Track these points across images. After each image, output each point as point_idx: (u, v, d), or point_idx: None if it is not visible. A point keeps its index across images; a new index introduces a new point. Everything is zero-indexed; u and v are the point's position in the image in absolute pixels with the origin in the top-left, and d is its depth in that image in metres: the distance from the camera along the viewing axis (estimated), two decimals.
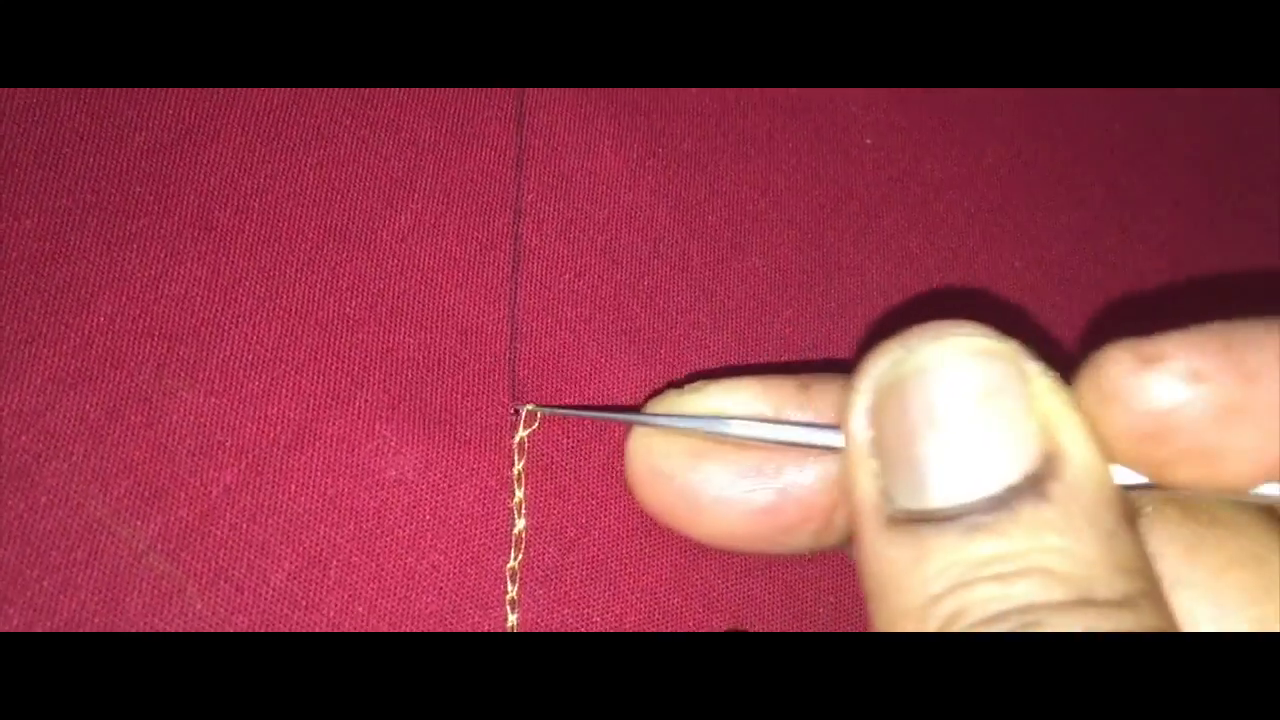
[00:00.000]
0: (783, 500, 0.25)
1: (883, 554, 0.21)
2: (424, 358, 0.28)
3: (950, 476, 0.21)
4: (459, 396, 0.28)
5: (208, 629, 0.24)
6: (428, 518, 0.27)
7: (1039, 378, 0.22)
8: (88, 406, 0.25)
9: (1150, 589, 0.20)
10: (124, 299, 0.27)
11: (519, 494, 0.28)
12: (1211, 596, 0.22)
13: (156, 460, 0.25)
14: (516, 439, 0.28)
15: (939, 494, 0.21)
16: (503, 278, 0.30)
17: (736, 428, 0.25)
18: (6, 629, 0.24)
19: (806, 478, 0.25)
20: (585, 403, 0.29)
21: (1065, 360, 0.23)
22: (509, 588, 0.27)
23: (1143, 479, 0.22)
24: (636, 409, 0.28)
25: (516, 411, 0.28)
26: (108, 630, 0.24)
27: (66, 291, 0.26)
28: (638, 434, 0.26)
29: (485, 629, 0.26)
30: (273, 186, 0.29)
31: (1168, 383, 0.21)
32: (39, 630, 0.24)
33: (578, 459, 0.29)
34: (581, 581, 0.28)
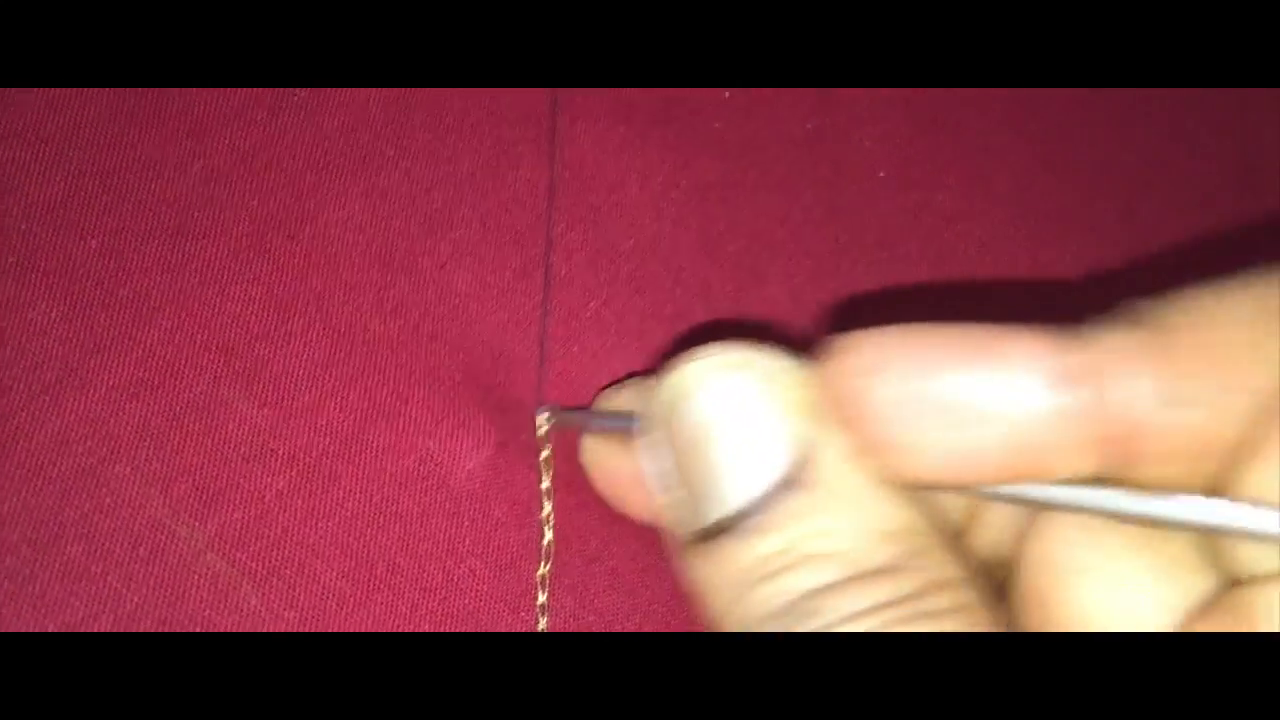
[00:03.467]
0: None
1: (689, 576, 0.23)
2: (462, 378, 0.30)
3: (722, 490, 0.22)
4: (492, 414, 0.30)
5: (261, 625, 0.26)
6: (466, 525, 0.28)
7: (784, 376, 0.23)
8: (149, 413, 0.27)
9: (919, 548, 0.21)
10: (183, 315, 0.28)
11: (547, 507, 0.29)
12: (1114, 581, 0.23)
13: (214, 465, 0.27)
14: (542, 456, 0.30)
15: (717, 508, 0.22)
16: (534, 304, 0.32)
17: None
18: (72, 622, 0.25)
19: None
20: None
21: None
22: (539, 594, 0.28)
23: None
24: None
25: (537, 414, 0.30)
26: (170, 626, 0.26)
27: (129, 307, 0.28)
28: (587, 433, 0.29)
29: (518, 630, 0.28)
30: (321, 214, 0.31)
31: (842, 371, 0.22)
32: (103, 624, 0.25)
33: None
34: (604, 591, 0.29)
